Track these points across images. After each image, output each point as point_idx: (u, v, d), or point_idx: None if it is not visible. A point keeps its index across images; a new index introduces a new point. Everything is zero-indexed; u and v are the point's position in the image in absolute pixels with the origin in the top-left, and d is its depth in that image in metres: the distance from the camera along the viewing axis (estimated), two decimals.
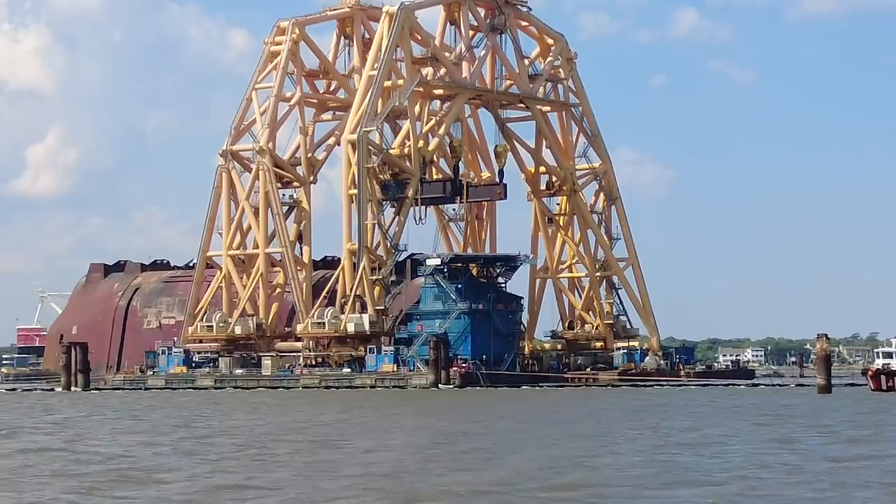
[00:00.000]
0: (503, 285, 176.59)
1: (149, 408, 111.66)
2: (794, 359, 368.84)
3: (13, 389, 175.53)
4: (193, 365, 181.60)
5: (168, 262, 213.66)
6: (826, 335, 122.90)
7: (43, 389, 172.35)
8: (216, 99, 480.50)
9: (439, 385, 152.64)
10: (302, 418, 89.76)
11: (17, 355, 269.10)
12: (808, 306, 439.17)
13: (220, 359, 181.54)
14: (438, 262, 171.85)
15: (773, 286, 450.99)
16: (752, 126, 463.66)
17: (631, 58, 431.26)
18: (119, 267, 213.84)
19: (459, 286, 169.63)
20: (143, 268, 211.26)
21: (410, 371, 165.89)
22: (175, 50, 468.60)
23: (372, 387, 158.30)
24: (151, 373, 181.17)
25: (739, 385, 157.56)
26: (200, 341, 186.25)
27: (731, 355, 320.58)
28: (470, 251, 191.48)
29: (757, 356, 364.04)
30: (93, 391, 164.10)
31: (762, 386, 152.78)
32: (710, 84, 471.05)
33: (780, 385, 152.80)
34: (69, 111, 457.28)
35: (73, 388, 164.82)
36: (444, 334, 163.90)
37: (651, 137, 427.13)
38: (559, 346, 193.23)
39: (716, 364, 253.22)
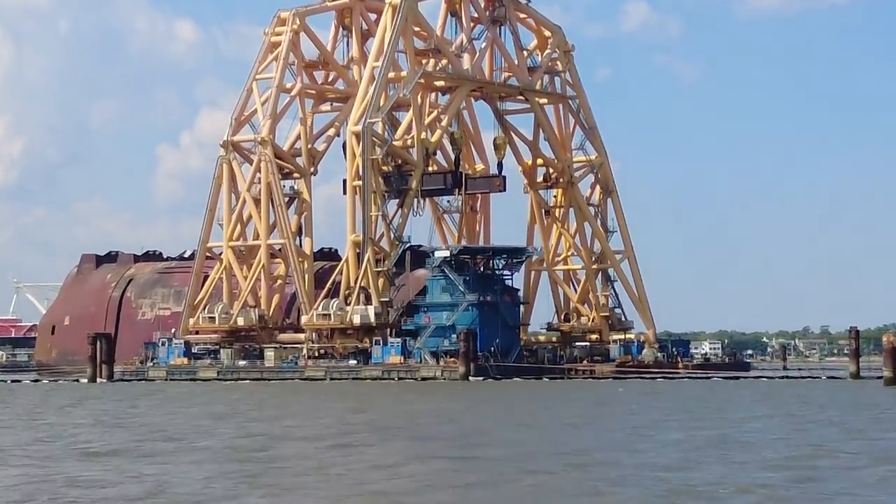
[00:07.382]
0: (509, 277, 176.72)
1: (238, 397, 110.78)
2: (750, 351, 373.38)
3: (37, 380, 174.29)
4: (193, 356, 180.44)
5: (160, 253, 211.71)
6: (857, 331, 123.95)
7: (69, 380, 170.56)
8: (161, 91, 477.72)
9: (469, 377, 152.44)
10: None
11: None
12: (759, 300, 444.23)
13: (221, 350, 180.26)
14: (447, 253, 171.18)
15: (721, 279, 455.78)
16: (695, 121, 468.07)
17: (579, 51, 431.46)
18: (111, 258, 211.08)
19: (467, 278, 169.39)
20: (136, 259, 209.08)
21: (418, 363, 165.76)
22: (121, 41, 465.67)
23: (407, 379, 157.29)
24: (151, 364, 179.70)
25: (763, 378, 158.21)
26: (198, 332, 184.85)
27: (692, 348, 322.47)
28: (464, 243, 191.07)
29: (714, 349, 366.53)
30: (119, 382, 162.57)
31: (794, 378, 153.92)
32: (655, 78, 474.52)
33: (808, 377, 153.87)
34: (14, 102, 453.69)
35: (98, 379, 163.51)
36: (453, 326, 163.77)
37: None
38: (554, 339, 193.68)
39: None
